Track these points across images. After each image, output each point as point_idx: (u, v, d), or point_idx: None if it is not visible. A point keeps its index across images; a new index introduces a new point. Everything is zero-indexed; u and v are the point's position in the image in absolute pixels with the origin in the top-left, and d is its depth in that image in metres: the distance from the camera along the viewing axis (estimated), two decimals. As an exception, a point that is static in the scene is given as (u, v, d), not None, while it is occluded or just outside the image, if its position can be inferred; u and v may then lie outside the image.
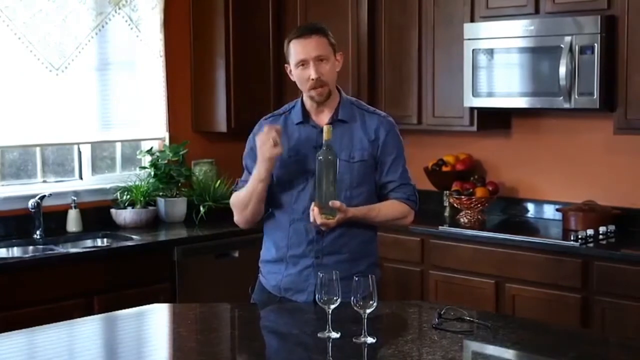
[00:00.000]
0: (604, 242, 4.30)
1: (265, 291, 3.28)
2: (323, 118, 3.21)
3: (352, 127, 3.20)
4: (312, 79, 3.12)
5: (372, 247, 3.29)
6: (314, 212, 3.04)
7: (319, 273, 2.68)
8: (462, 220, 4.87)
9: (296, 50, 3.14)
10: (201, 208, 5.02)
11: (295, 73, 3.17)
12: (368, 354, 2.58)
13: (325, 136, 3.03)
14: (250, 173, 3.27)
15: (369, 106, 3.33)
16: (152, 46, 5.20)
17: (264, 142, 3.08)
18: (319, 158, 3.03)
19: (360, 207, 3.16)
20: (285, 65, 3.23)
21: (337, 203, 3.04)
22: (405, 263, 4.76)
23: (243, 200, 3.22)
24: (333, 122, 3.19)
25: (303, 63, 3.13)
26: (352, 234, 3.15)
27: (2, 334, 2.86)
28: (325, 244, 3.16)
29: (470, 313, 2.92)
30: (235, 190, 3.34)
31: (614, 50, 4.25)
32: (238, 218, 3.30)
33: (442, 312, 2.89)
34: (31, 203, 4.63)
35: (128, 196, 4.99)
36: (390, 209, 3.23)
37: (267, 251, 3.30)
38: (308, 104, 3.22)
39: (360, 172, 3.18)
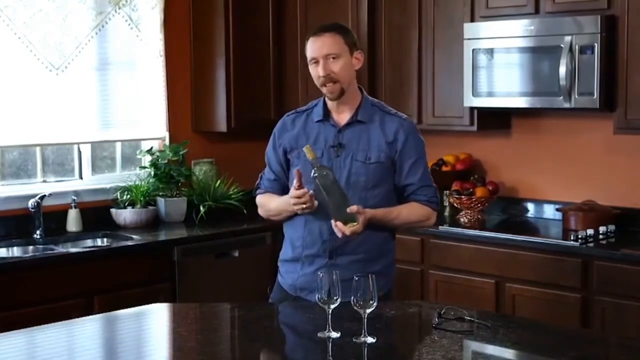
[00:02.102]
0: (604, 242, 4.30)
1: (283, 290, 3.31)
2: (343, 117, 3.24)
3: (370, 128, 3.22)
4: (321, 77, 3.16)
5: (389, 247, 3.31)
6: (339, 227, 3.05)
7: (318, 273, 2.67)
8: (462, 220, 4.87)
9: (309, 48, 3.21)
10: (201, 208, 5.02)
11: (310, 70, 3.23)
12: (368, 353, 2.58)
13: (309, 157, 3.06)
14: (271, 169, 3.34)
15: (391, 108, 3.33)
16: (152, 46, 5.20)
17: (295, 203, 3.10)
18: (314, 176, 3.04)
19: (379, 209, 3.16)
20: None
21: (354, 207, 3.04)
22: (405, 263, 4.75)
23: (272, 210, 3.33)
24: (352, 122, 3.22)
25: (314, 61, 3.18)
26: (366, 234, 3.13)
27: (2, 334, 2.85)
28: (338, 244, 3.16)
29: (470, 313, 2.92)
30: (260, 188, 3.40)
31: (614, 50, 4.25)
32: (265, 216, 3.40)
33: (442, 312, 2.89)
34: (31, 203, 4.63)
35: (128, 196, 4.99)
36: (411, 211, 3.25)
37: (285, 250, 3.34)
38: (329, 102, 3.26)
39: (377, 174, 3.19)
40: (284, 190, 3.31)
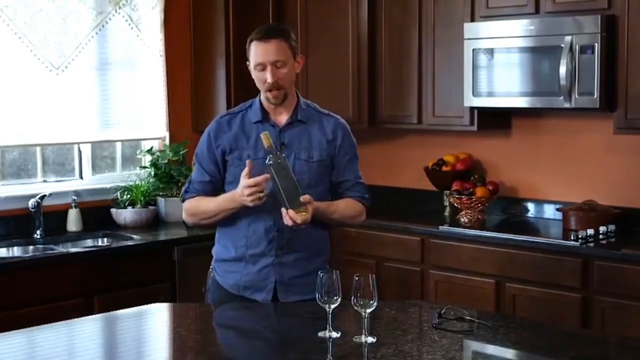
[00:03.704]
0: (604, 241, 4.29)
1: (223, 290, 3.29)
2: (282, 118, 3.27)
3: (310, 128, 3.27)
4: (269, 83, 3.17)
5: (326, 243, 3.35)
6: (290, 215, 3.04)
7: (319, 273, 2.68)
8: (462, 220, 4.87)
9: (255, 52, 3.19)
10: (201, 208, 5.02)
11: (253, 74, 3.23)
12: (368, 353, 2.58)
13: (265, 144, 3.06)
14: (206, 171, 3.28)
15: (323, 109, 3.38)
16: (152, 46, 5.21)
17: (250, 193, 3.07)
18: (269, 163, 3.04)
19: (321, 202, 3.20)
20: (247, 62, 3.25)
21: (307, 197, 3.07)
22: (405, 263, 4.76)
23: (209, 212, 3.26)
24: (292, 122, 3.25)
25: (261, 66, 3.18)
26: (309, 232, 3.16)
27: (2, 333, 2.85)
28: (285, 242, 3.19)
29: (470, 313, 2.92)
30: (189, 192, 3.33)
31: (614, 50, 4.25)
32: (193, 222, 3.37)
33: (442, 312, 2.89)
34: (31, 203, 4.63)
35: (128, 196, 5.00)
36: (347, 207, 3.31)
37: (225, 250, 3.31)
38: (266, 103, 3.26)
39: (319, 172, 3.25)
40: (216, 192, 3.29)
